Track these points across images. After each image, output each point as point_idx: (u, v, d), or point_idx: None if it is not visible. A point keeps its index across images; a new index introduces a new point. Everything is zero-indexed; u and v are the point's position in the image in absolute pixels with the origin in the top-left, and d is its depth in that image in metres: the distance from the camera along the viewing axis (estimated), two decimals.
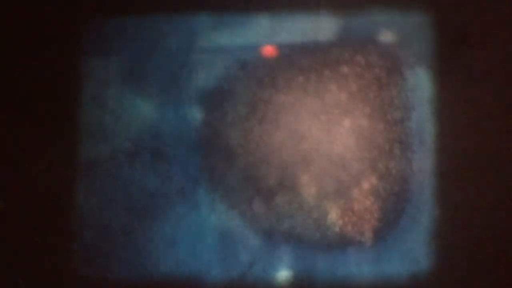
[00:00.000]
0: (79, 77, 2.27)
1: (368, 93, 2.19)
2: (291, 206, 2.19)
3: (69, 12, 2.28)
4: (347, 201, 2.18)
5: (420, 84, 2.18)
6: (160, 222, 2.21)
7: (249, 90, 2.22)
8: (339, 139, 2.19)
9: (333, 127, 2.19)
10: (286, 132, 2.20)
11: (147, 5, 2.26)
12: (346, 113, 2.19)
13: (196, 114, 2.23)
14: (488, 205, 2.11)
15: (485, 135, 2.13)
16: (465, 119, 2.15)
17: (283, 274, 2.17)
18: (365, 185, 2.17)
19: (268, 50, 2.22)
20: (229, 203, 2.21)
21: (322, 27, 2.21)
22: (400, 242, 2.13)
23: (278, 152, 2.20)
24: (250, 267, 2.18)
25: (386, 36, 2.20)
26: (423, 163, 2.15)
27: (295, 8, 2.21)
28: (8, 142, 2.27)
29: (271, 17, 2.22)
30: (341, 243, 2.16)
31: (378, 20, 2.19)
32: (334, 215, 2.18)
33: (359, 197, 2.17)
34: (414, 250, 2.12)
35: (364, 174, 2.17)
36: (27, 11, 2.29)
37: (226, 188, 2.21)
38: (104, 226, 2.22)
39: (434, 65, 2.16)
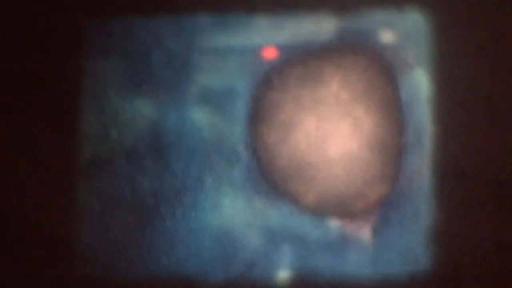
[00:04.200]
0: (79, 78, 2.27)
1: (368, 93, 2.19)
2: (291, 206, 2.19)
3: (69, 12, 2.28)
4: (346, 201, 2.18)
5: (420, 84, 2.18)
6: (161, 223, 2.21)
7: (250, 90, 2.22)
8: (339, 139, 2.19)
9: (332, 128, 2.19)
10: (286, 132, 2.21)
11: (147, 5, 2.26)
12: (345, 113, 2.19)
13: (196, 115, 2.23)
14: (488, 205, 2.11)
15: (485, 135, 2.13)
16: (465, 119, 2.15)
17: (283, 274, 2.17)
18: (365, 185, 2.17)
19: (268, 51, 2.22)
20: (230, 203, 2.21)
21: (322, 28, 2.21)
22: (400, 242, 2.13)
23: (278, 152, 2.21)
24: (250, 267, 2.18)
25: (386, 37, 2.20)
26: (423, 163, 2.15)
27: (294, 9, 2.21)
28: (9, 143, 2.27)
29: (270, 18, 2.22)
30: (341, 243, 2.16)
31: (377, 20, 2.19)
32: (334, 215, 2.18)
33: (358, 197, 2.18)
34: (414, 250, 2.12)
35: (363, 174, 2.18)
36: (27, 12, 2.29)
37: (227, 188, 2.21)
38: (104, 226, 2.22)
39: (434, 66, 2.17)
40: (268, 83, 2.22)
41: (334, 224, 2.18)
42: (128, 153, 2.24)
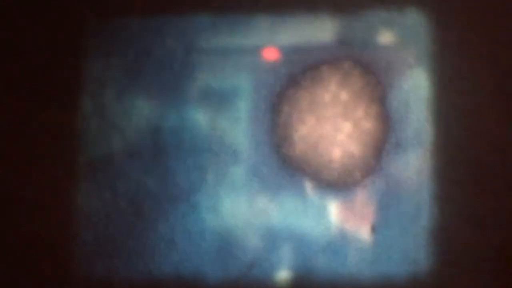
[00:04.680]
0: (79, 78, 2.27)
1: (367, 93, 2.19)
2: (291, 206, 2.19)
3: (69, 12, 2.28)
4: (346, 201, 2.18)
5: (419, 84, 2.18)
6: (161, 223, 2.21)
7: (250, 90, 2.22)
8: (338, 139, 2.19)
9: (332, 127, 2.19)
10: (285, 131, 2.21)
11: (147, 5, 2.26)
12: (345, 113, 2.19)
13: (196, 115, 2.23)
14: (487, 205, 2.11)
15: (484, 135, 2.13)
16: (464, 119, 2.15)
17: (283, 274, 2.17)
18: (365, 185, 2.17)
19: (268, 52, 2.22)
20: (230, 204, 2.21)
21: (321, 28, 2.21)
22: (400, 242, 2.13)
23: (278, 152, 2.21)
24: (250, 268, 2.18)
25: (385, 37, 2.20)
26: (422, 163, 2.15)
27: (294, 9, 2.21)
28: (9, 143, 2.27)
29: (270, 18, 2.22)
30: (341, 244, 2.16)
31: (377, 20, 2.19)
32: (334, 215, 2.18)
33: (358, 197, 2.18)
34: (414, 250, 2.12)
35: (363, 174, 2.18)
36: (27, 12, 2.29)
37: (227, 188, 2.21)
38: (104, 227, 2.22)
39: (433, 66, 2.17)
40: (268, 83, 2.23)
41: (334, 224, 2.18)
42: (128, 153, 2.24)
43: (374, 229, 2.17)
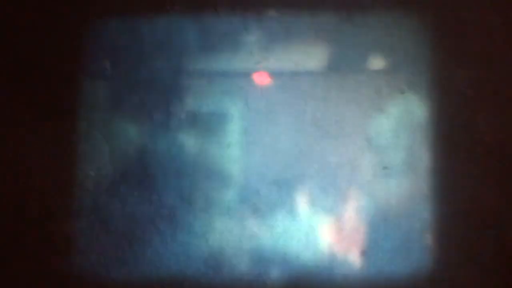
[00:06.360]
0: (75, 99, 2.26)
1: (361, 116, 2.22)
2: (281, 229, 2.16)
3: (66, 14, 2.31)
4: (337, 225, 2.16)
5: (412, 109, 2.23)
6: (148, 247, 2.13)
7: (239, 114, 2.26)
8: (332, 163, 2.20)
9: (326, 151, 2.21)
10: (276, 155, 2.21)
11: (139, 28, 2.32)
12: (336, 137, 2.22)
13: (185, 138, 2.23)
14: (488, 205, 2.12)
15: (482, 142, 2.17)
16: (460, 140, 2.19)
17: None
18: (355, 209, 2.17)
19: (258, 76, 2.28)
20: (219, 226, 2.15)
21: (312, 53, 2.27)
22: (400, 242, 2.09)
23: (266, 174, 2.20)
24: None
25: (379, 61, 2.25)
26: (417, 186, 2.17)
27: (286, 33, 2.29)
28: (7, 148, 2.19)
29: (261, 43, 2.30)
30: (331, 267, 2.11)
31: (371, 44, 2.23)
32: (324, 239, 2.15)
33: (348, 221, 2.17)
34: (414, 251, 2.08)
35: (353, 198, 2.18)
36: (26, 13, 2.31)
37: (215, 211, 2.17)
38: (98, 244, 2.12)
39: (427, 90, 2.22)
40: (259, 107, 2.25)
41: (324, 247, 2.14)
42: (116, 175, 2.20)
43: (364, 253, 2.14)
